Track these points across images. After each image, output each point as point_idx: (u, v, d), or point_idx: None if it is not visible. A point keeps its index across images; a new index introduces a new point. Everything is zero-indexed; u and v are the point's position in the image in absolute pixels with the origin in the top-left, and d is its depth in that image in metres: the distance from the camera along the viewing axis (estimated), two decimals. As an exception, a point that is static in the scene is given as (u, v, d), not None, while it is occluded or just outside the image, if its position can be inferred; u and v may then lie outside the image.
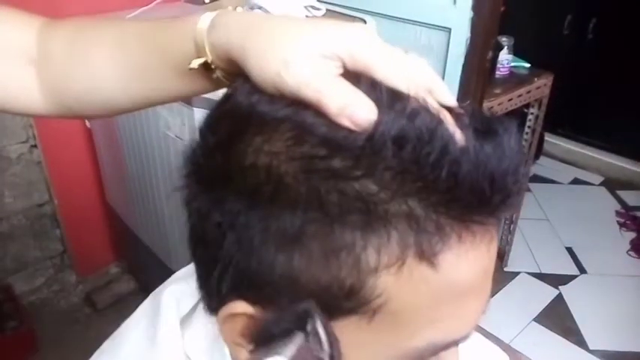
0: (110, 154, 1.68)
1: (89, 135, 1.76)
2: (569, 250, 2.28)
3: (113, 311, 1.87)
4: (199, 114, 1.11)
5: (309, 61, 0.31)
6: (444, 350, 0.32)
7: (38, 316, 1.82)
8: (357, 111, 0.28)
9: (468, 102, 0.33)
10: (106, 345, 0.44)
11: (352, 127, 0.28)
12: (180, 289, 0.43)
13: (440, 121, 0.28)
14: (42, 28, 0.47)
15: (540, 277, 2.12)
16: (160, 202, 1.46)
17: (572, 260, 2.22)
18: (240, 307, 0.31)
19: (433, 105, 0.30)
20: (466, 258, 0.29)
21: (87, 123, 1.73)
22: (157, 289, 0.45)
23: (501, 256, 2.13)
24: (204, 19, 0.36)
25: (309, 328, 0.28)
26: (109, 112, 0.48)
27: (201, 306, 0.42)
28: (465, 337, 0.32)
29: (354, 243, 0.28)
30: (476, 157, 0.27)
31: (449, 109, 0.31)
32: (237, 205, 0.29)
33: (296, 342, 0.27)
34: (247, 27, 0.34)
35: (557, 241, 2.33)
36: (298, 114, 0.29)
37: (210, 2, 1.56)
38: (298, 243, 0.28)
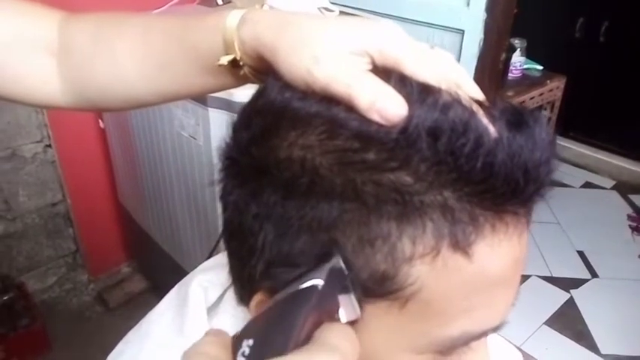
0: (123, 154, 1.70)
1: (103, 135, 1.77)
2: (581, 253, 2.27)
3: (124, 310, 1.89)
4: (214, 114, 1.12)
5: (339, 57, 0.31)
6: (475, 340, 0.32)
7: (50, 314, 1.84)
8: (387, 106, 0.28)
9: (497, 97, 0.33)
10: (131, 335, 0.45)
11: (382, 121, 0.28)
12: (208, 278, 0.44)
13: (473, 113, 0.29)
14: (63, 21, 0.48)
15: (551, 280, 2.11)
16: (172, 201, 1.47)
17: (583, 264, 2.21)
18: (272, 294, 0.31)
19: (465, 97, 0.30)
20: (499, 248, 0.29)
21: (101, 123, 1.74)
22: (184, 280, 0.46)
23: (512, 260, 2.12)
24: (233, 16, 0.37)
25: (334, 259, 0.28)
26: (130, 104, 0.48)
27: (227, 295, 0.42)
28: (496, 328, 0.32)
29: (390, 233, 0.28)
30: (509, 147, 0.27)
31: (479, 102, 0.31)
32: (274, 197, 0.30)
33: (326, 268, 0.28)
34: (277, 24, 0.34)
35: (569, 244, 2.32)
36: (330, 109, 0.30)
37: (223, 4, 1.57)
38: (334, 231, 0.28)
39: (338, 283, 0.28)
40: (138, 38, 0.44)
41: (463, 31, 1.40)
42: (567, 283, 2.10)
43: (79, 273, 1.97)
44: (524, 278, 2.11)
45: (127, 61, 0.44)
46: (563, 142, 2.96)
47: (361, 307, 0.29)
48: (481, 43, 1.40)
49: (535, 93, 1.74)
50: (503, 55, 1.56)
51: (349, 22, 0.34)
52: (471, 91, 0.32)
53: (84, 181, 1.84)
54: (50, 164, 1.73)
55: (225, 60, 0.37)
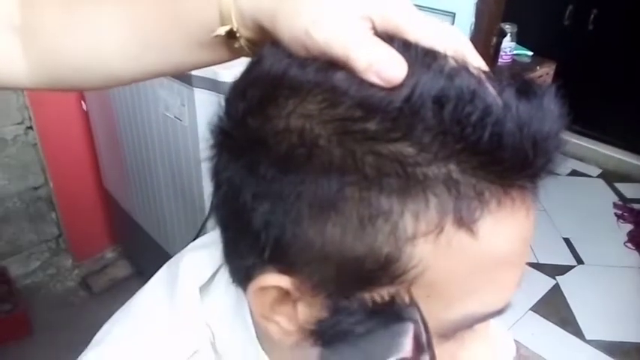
0: (107, 137, 1.66)
1: (86, 117, 1.73)
2: (567, 240, 2.29)
3: (109, 296, 1.86)
4: (200, 94, 1.09)
5: (338, 20, 0.29)
6: (480, 323, 0.31)
7: (33, 299, 1.81)
8: (387, 66, 0.27)
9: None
10: (119, 315, 0.43)
11: (381, 83, 0.27)
12: (200, 256, 0.42)
13: (481, 81, 0.27)
14: None
15: (538, 267, 2.12)
16: (157, 184, 1.44)
17: (569, 251, 2.23)
18: (271, 279, 0.30)
19: (472, 65, 0.28)
20: (505, 225, 0.28)
21: (83, 105, 1.70)
22: (173, 259, 0.44)
23: (499, 246, 2.14)
24: None
25: (414, 316, 0.26)
26: (109, 83, 0.45)
27: (220, 274, 0.40)
28: (500, 311, 0.31)
29: (391, 209, 0.26)
30: (519, 117, 0.26)
31: (485, 73, 0.30)
32: (271, 171, 0.28)
33: (408, 334, 0.26)
34: None
35: (555, 231, 2.34)
36: (331, 76, 0.28)
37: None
38: (333, 209, 0.27)
39: (419, 346, 0.26)
40: (120, 11, 0.41)
41: (454, 13, 1.38)
42: (553, 270, 2.11)
43: (63, 258, 1.94)
44: (511, 265, 2.12)
45: (109, 34, 0.41)
46: (550, 130, 2.97)
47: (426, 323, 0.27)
48: (472, 27, 1.39)
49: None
50: (494, 40, 1.55)
51: None
52: (476, 62, 0.30)
53: (67, 165, 1.80)
54: (32, 147, 1.69)
55: (222, 30, 0.35)
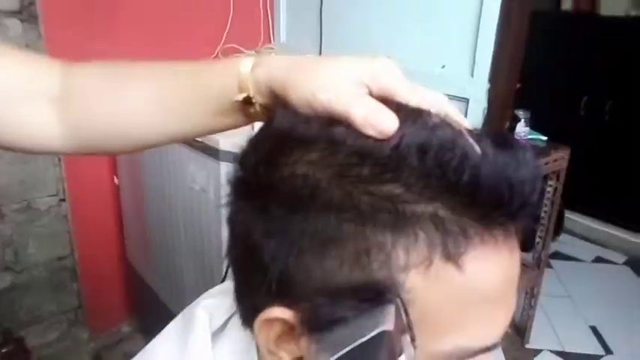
0: (134, 210, 1.73)
1: (116, 191, 1.82)
2: (594, 329, 2.20)
3: (122, 371, 1.84)
4: (225, 167, 1.15)
5: (340, 84, 0.35)
6: (469, 358, 0.32)
7: (47, 372, 1.80)
8: (380, 120, 0.31)
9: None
10: None
11: (376, 135, 0.31)
12: (214, 303, 0.45)
13: (460, 133, 0.31)
14: (64, 68, 0.49)
15: (564, 355, 2.03)
16: (180, 257, 1.48)
17: (596, 340, 2.13)
18: (277, 311, 0.33)
19: (453, 119, 0.32)
20: (489, 261, 0.31)
21: (115, 179, 1.79)
22: (189, 306, 0.46)
23: (522, 332, 2.06)
24: (246, 62, 0.41)
25: (394, 298, 0.29)
26: (139, 146, 0.50)
27: (232, 321, 0.43)
28: (490, 347, 0.33)
29: (385, 242, 0.30)
30: (495, 163, 0.29)
31: (465, 128, 0.34)
32: (279, 211, 0.32)
33: (390, 312, 0.28)
34: (287, 64, 0.39)
35: (581, 319, 2.25)
36: (331, 130, 0.33)
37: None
38: (332, 242, 0.30)
39: (400, 324, 0.29)
40: (148, 82, 0.47)
41: (468, 99, 1.46)
42: (581, 360, 2.02)
43: (80, 330, 1.94)
44: (536, 352, 2.04)
45: (137, 103, 0.47)
46: (572, 216, 2.95)
47: (414, 347, 0.30)
48: (485, 112, 1.45)
49: (540, 162, 1.77)
50: (507, 124, 1.61)
51: (350, 58, 0.38)
52: (457, 118, 0.35)
53: (93, 236, 1.86)
54: (63, 218, 1.75)
55: (240, 97, 0.41)
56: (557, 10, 3.07)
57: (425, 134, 0.30)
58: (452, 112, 0.35)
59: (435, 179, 0.29)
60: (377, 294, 0.29)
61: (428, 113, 0.33)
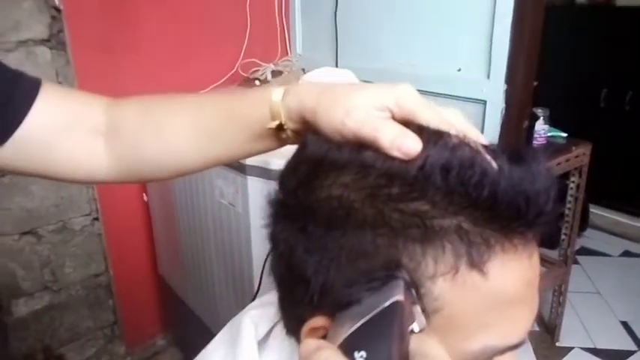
0: (165, 225, 1.78)
1: (146, 208, 1.88)
2: (625, 324, 2.18)
3: (159, 383, 1.89)
4: (252, 182, 1.19)
5: (365, 110, 0.39)
6: (496, 356, 0.35)
7: (87, 387, 1.85)
8: (406, 143, 0.35)
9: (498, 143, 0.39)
10: None
11: (402, 156, 0.34)
12: (258, 314, 0.48)
13: (478, 152, 0.34)
14: (110, 104, 0.54)
15: (596, 352, 2.02)
16: (211, 270, 1.52)
17: (628, 335, 2.12)
18: (320, 321, 0.36)
19: (471, 140, 0.36)
20: (510, 267, 0.34)
21: (144, 197, 1.85)
22: (235, 317, 0.50)
23: (552, 330, 2.06)
24: (277, 91, 0.46)
25: (403, 276, 0.32)
26: (179, 173, 0.55)
27: (276, 329, 0.47)
28: (515, 345, 0.36)
29: (415, 253, 0.33)
30: (510, 178, 0.33)
31: (483, 145, 0.37)
32: (318, 230, 0.35)
33: (399, 285, 0.31)
34: (316, 92, 0.43)
35: (611, 315, 2.24)
36: (361, 154, 0.36)
37: (260, 84, 1.71)
38: (368, 256, 0.33)
39: (410, 297, 0.32)
40: (188, 113, 0.51)
41: (485, 101, 1.47)
42: (613, 355, 2.00)
43: (117, 345, 2.00)
44: (566, 350, 2.03)
45: (177, 135, 0.51)
46: (597, 211, 2.93)
47: (426, 317, 0.33)
48: (503, 113, 1.46)
49: (561, 159, 1.77)
50: (526, 123, 1.62)
51: (374, 85, 0.41)
52: (476, 138, 0.38)
53: (126, 253, 1.92)
54: (96, 236, 1.82)
55: (274, 124, 0.45)
56: (571, 3, 3.06)
57: (447, 155, 0.34)
58: (469, 130, 0.38)
59: (458, 196, 0.33)
60: (387, 274, 0.32)
61: (448, 134, 0.36)
